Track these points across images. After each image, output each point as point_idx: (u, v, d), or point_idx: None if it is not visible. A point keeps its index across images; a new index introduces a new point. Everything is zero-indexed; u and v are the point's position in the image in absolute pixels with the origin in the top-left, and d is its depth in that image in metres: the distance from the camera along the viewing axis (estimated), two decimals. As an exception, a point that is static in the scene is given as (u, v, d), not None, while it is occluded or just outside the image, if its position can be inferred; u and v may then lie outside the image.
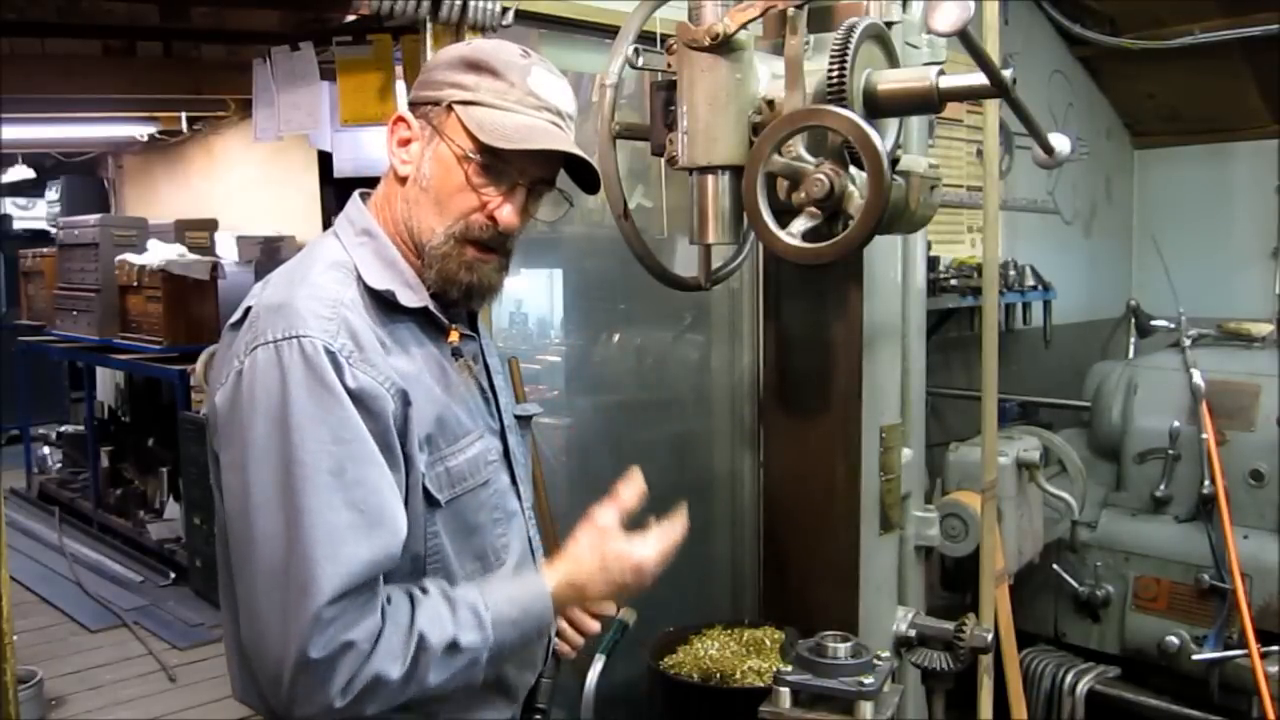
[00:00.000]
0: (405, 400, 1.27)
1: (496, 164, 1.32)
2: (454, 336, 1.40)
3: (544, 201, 1.42)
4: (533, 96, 1.34)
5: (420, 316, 1.36)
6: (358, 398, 1.21)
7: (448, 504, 1.33)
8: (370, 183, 1.45)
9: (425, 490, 1.30)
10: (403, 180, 1.37)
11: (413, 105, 1.38)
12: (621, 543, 1.43)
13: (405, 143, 1.37)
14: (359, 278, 1.31)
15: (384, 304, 1.32)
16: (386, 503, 1.22)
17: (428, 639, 1.23)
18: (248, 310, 1.30)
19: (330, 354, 1.20)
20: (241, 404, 1.21)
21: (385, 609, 1.22)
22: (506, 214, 1.34)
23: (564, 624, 1.62)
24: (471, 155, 1.31)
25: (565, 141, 1.35)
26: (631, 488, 1.49)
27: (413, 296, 1.34)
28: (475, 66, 1.34)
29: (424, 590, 1.28)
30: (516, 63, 1.35)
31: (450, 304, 1.41)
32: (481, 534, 1.39)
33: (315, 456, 1.18)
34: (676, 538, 1.48)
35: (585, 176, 1.42)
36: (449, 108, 1.33)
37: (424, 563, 1.32)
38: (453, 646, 1.25)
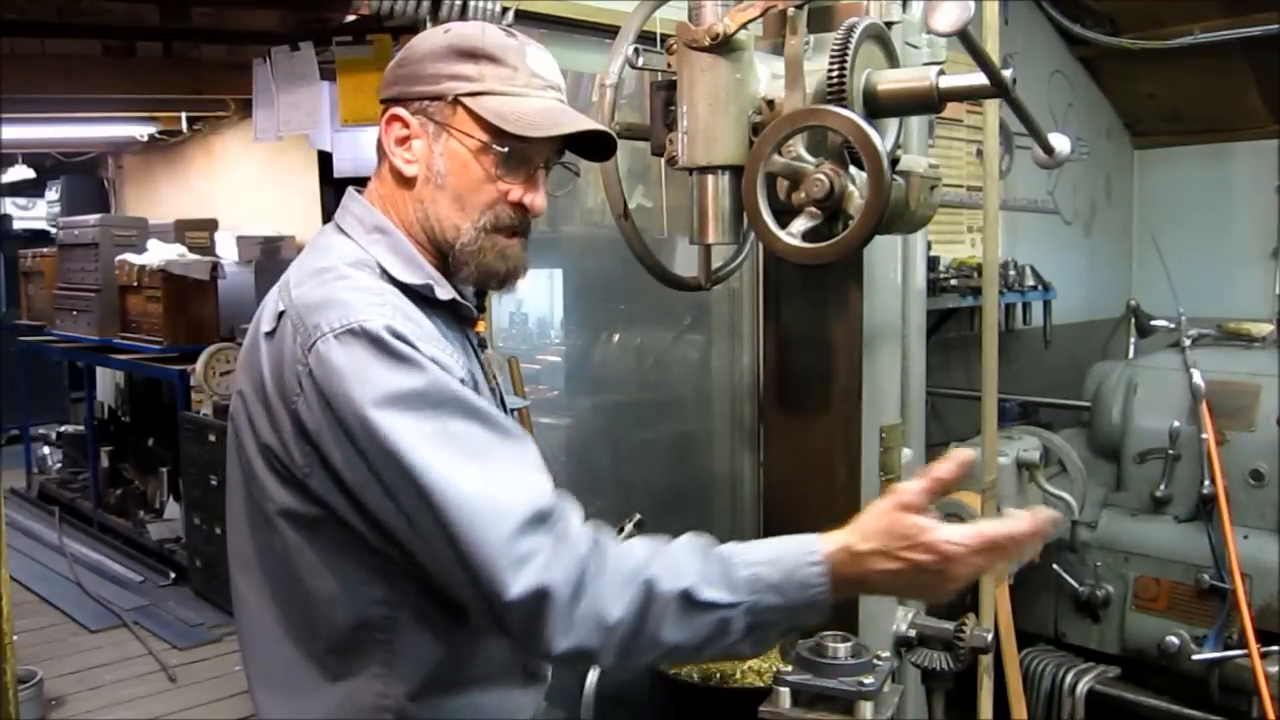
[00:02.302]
0: (473, 381, 1.27)
1: (518, 151, 1.31)
2: (481, 326, 1.41)
3: (552, 175, 1.42)
4: (537, 77, 1.34)
5: (446, 310, 1.35)
6: (435, 362, 1.19)
7: None
8: (364, 182, 1.44)
9: None
10: (409, 180, 1.34)
11: (401, 100, 1.34)
12: (924, 519, 1.18)
13: (403, 140, 1.34)
14: (383, 274, 1.30)
15: (412, 299, 1.29)
16: (513, 427, 1.22)
17: (657, 587, 1.13)
18: (280, 315, 1.24)
19: (394, 333, 1.18)
20: (332, 402, 1.16)
21: (598, 542, 1.16)
22: (537, 200, 1.35)
23: None
24: (494, 147, 1.30)
25: (587, 120, 1.35)
26: (951, 464, 1.22)
27: (443, 290, 1.33)
28: (471, 55, 1.31)
29: (669, 540, 1.20)
30: (510, 44, 1.34)
31: (480, 294, 1.43)
32: None
33: (435, 408, 1.15)
34: (1011, 533, 1.18)
35: (591, 149, 1.42)
36: (455, 101, 1.31)
37: None
38: (690, 600, 1.13)
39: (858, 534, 1.19)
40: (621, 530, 1.75)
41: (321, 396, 1.16)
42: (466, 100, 1.30)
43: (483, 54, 1.32)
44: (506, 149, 1.30)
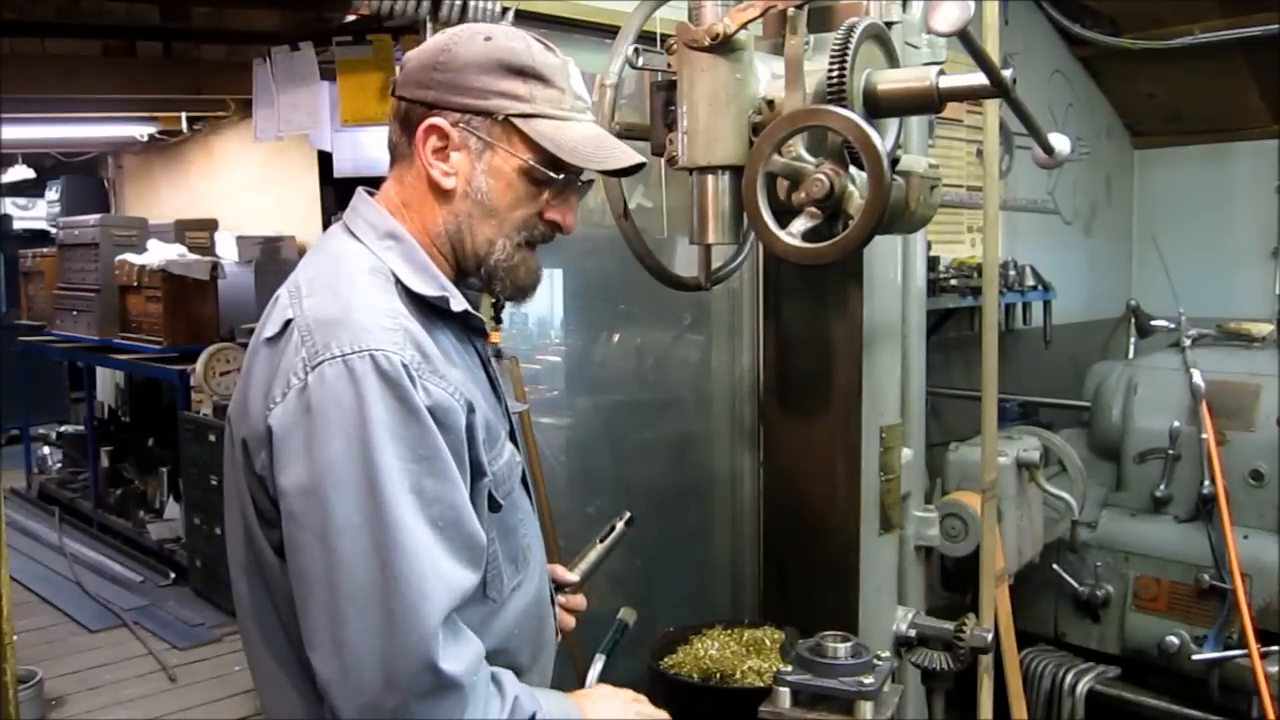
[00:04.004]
0: (471, 409, 1.24)
1: (563, 173, 1.32)
2: (495, 337, 1.40)
3: None
4: (580, 100, 1.34)
5: (458, 321, 1.33)
6: (432, 412, 1.18)
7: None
8: (369, 182, 1.42)
9: (490, 495, 1.29)
10: (446, 192, 1.32)
11: (438, 107, 1.29)
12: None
13: (441, 151, 1.31)
14: (397, 283, 1.27)
15: (424, 310, 1.28)
16: (464, 519, 1.19)
17: (521, 704, 1.25)
18: (286, 323, 1.22)
19: (405, 367, 1.16)
20: (312, 424, 1.14)
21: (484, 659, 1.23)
22: (571, 220, 1.37)
23: None
24: (546, 171, 1.30)
25: (635, 154, 1.36)
26: None
27: (457, 302, 1.31)
28: (520, 73, 1.29)
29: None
30: (555, 64, 1.33)
31: (497, 305, 1.43)
32: (516, 536, 1.39)
33: (399, 475, 1.13)
34: None
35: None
36: (505, 120, 1.29)
37: (485, 572, 1.28)
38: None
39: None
40: (613, 529, 1.72)
41: (309, 411, 1.15)
42: (518, 121, 1.29)
43: (531, 73, 1.30)
44: (553, 172, 1.31)
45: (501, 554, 1.34)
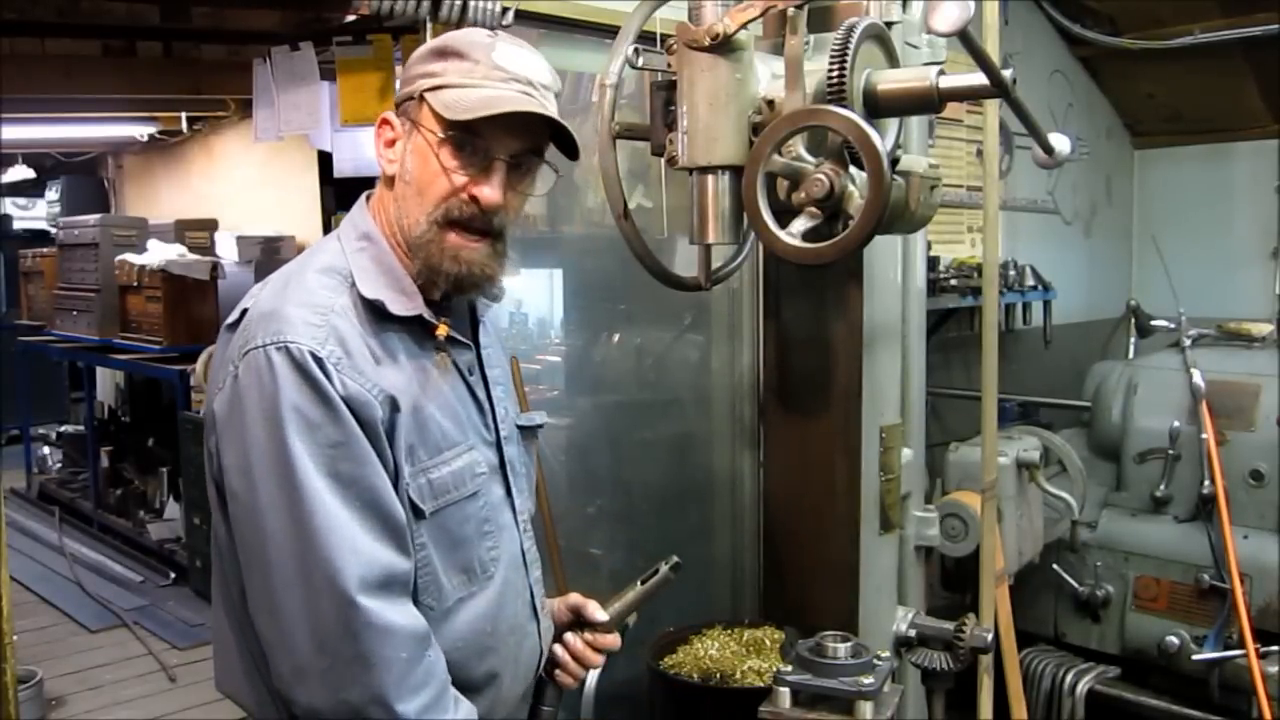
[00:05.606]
0: (394, 407, 1.27)
1: (469, 141, 1.30)
2: (441, 330, 1.36)
3: (534, 176, 1.40)
4: (499, 70, 1.32)
5: (413, 325, 1.34)
6: (347, 403, 1.23)
7: (432, 516, 1.32)
8: (370, 183, 1.46)
9: (410, 500, 1.30)
10: (390, 180, 1.37)
11: (396, 106, 1.38)
12: None
13: (391, 143, 1.37)
14: (353, 284, 1.31)
15: (377, 312, 1.31)
16: (383, 501, 1.25)
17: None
18: (244, 313, 1.31)
19: (317, 360, 1.22)
20: (239, 407, 1.23)
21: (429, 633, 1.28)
22: (486, 192, 1.31)
23: (564, 655, 1.56)
24: (444, 137, 1.30)
25: (529, 104, 1.31)
26: None
27: (406, 304, 1.33)
28: (442, 53, 1.34)
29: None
30: (481, 41, 1.34)
31: (443, 298, 1.39)
32: (469, 547, 1.38)
33: (311, 460, 1.20)
34: None
35: (566, 143, 1.40)
36: (420, 98, 1.33)
37: (415, 574, 1.30)
38: None
39: None
40: (657, 572, 1.62)
41: (238, 396, 1.23)
42: (428, 95, 1.32)
43: (451, 51, 1.33)
44: (451, 136, 1.30)
45: (441, 562, 1.33)
